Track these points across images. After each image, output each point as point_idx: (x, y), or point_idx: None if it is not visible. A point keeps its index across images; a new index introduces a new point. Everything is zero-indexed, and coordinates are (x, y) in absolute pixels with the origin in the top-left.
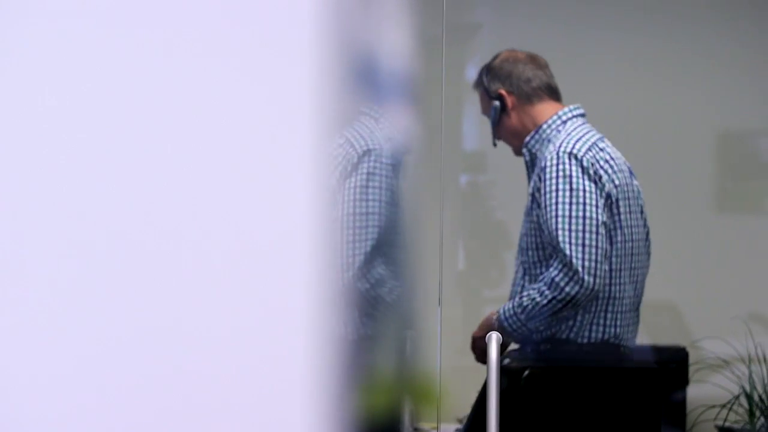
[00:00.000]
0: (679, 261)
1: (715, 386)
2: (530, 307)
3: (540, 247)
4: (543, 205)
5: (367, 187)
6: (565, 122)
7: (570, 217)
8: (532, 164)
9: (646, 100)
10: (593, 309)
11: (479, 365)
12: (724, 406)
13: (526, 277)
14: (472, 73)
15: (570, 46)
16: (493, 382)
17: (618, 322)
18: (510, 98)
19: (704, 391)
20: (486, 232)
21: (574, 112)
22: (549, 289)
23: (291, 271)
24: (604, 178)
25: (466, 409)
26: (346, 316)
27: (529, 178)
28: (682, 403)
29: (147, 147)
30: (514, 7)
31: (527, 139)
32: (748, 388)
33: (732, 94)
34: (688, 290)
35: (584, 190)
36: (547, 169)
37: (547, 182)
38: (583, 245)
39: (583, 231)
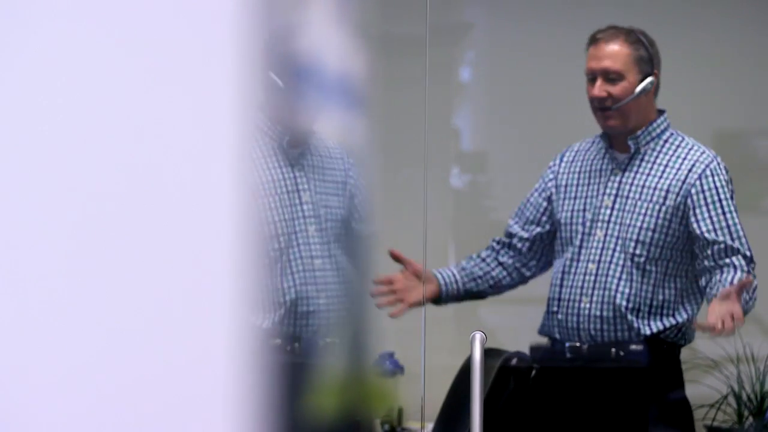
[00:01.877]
0: None
1: (704, 386)
2: (753, 288)
3: (663, 246)
4: (712, 203)
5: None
6: (669, 125)
7: (739, 222)
8: (633, 155)
9: None
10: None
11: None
12: (712, 405)
13: (635, 271)
14: (465, 74)
15: (564, 47)
16: (477, 381)
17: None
18: (655, 83)
19: (693, 390)
20: (480, 232)
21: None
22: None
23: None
24: None
25: None
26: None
27: (616, 168)
28: None
29: (61, 144)
30: (505, 7)
31: (639, 132)
32: (736, 388)
33: (728, 94)
34: None
35: (733, 200)
36: (716, 176)
37: (717, 186)
38: None
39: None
